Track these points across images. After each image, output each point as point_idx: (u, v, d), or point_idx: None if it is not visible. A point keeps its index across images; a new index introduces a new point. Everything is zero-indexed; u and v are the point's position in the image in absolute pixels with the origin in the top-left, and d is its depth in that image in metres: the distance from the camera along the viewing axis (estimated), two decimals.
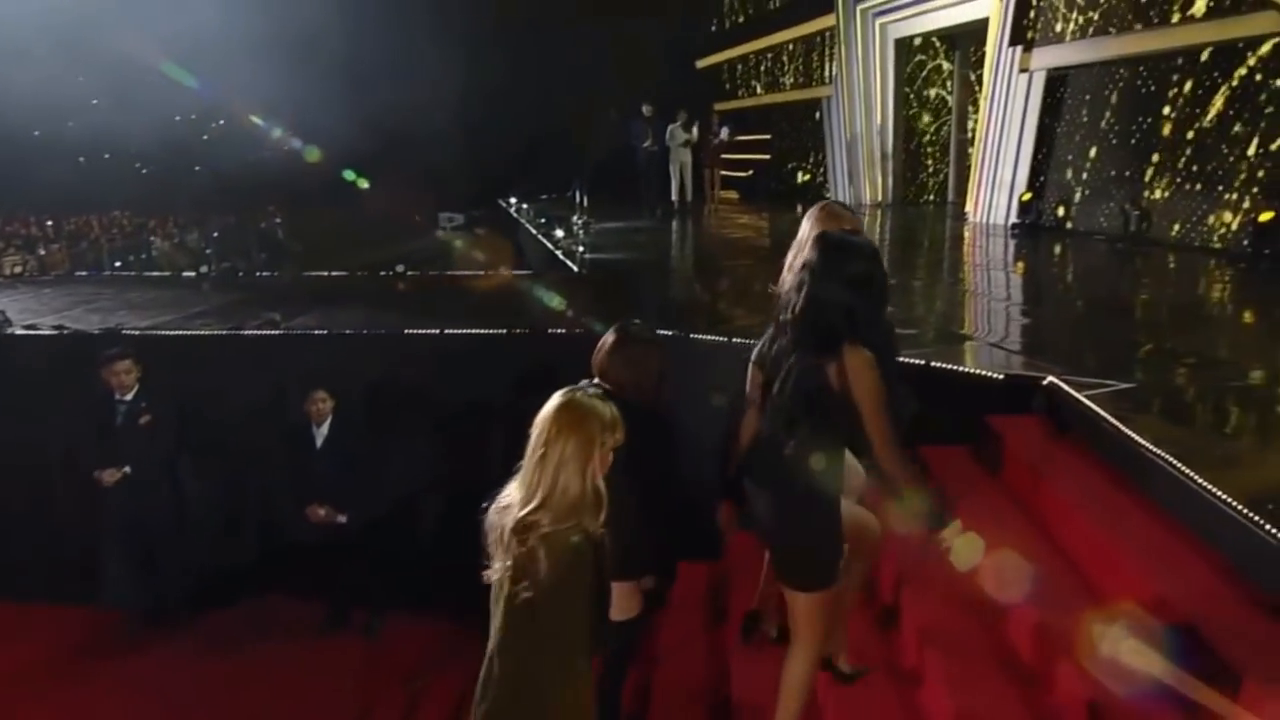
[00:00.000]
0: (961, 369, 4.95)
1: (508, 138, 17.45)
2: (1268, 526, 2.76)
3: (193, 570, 6.16)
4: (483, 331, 5.94)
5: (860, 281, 2.69)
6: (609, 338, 3.23)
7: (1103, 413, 3.91)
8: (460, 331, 5.95)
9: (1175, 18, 9.39)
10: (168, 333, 6.40)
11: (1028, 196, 11.45)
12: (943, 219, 13.54)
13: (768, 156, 19.76)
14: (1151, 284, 8.05)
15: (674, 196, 14.77)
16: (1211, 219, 9.12)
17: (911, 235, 12.26)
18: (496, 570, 2.27)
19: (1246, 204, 8.67)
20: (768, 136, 19.68)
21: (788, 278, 2.94)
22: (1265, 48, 8.44)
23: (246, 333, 6.24)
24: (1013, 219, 11.58)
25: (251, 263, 11.29)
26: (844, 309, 2.64)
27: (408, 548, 6.08)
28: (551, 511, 2.18)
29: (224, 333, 6.27)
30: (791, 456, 2.67)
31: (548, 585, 2.17)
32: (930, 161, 15.65)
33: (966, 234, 11.68)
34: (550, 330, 5.96)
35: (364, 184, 16.10)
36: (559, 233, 11.39)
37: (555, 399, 2.30)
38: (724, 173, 16.45)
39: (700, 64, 23.79)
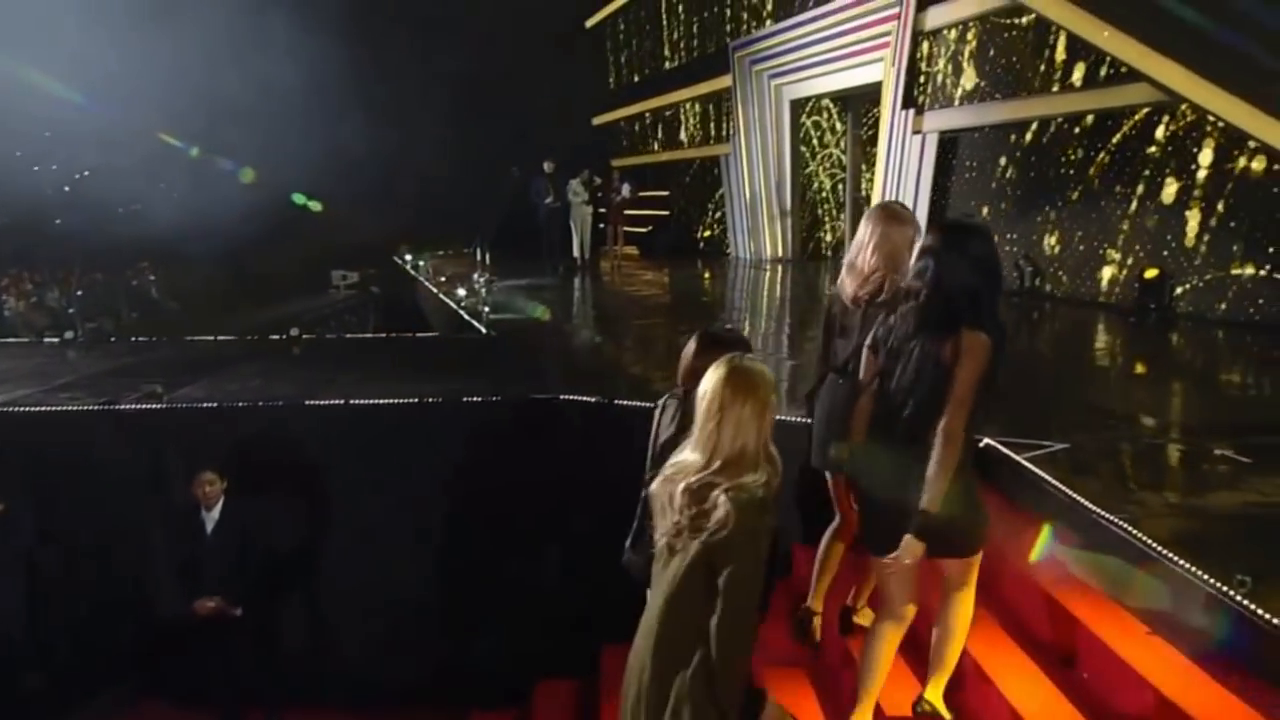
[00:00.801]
0: None
1: (402, 194, 17.07)
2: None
3: (58, 677, 5.50)
4: (392, 401, 5.59)
5: (984, 263, 2.80)
6: (692, 345, 2.90)
7: (1047, 477, 3.89)
8: (366, 402, 5.58)
9: (1056, 87, 9.96)
10: (26, 409, 5.76)
11: None
12: None
13: (666, 212, 19.98)
14: (1054, 339, 8.33)
15: (575, 253, 14.68)
16: (1099, 274, 9.59)
17: (817, 291, 12.46)
18: (668, 534, 2.34)
19: (1130, 260, 9.16)
20: (666, 193, 19.94)
21: (849, 280, 3.14)
22: (1140, 115, 9.03)
23: (123, 407, 5.69)
24: None
25: (122, 324, 10.52)
26: (969, 291, 2.74)
27: (307, 641, 5.59)
28: (733, 471, 2.27)
29: (96, 408, 5.70)
30: (917, 436, 2.74)
31: (732, 540, 2.23)
32: (828, 218, 16.09)
33: None
34: (466, 399, 5.65)
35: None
36: (461, 291, 11.08)
37: (722, 366, 2.35)
38: (625, 229, 16.48)
39: (597, 121, 24.03)
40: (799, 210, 15.80)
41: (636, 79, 21.98)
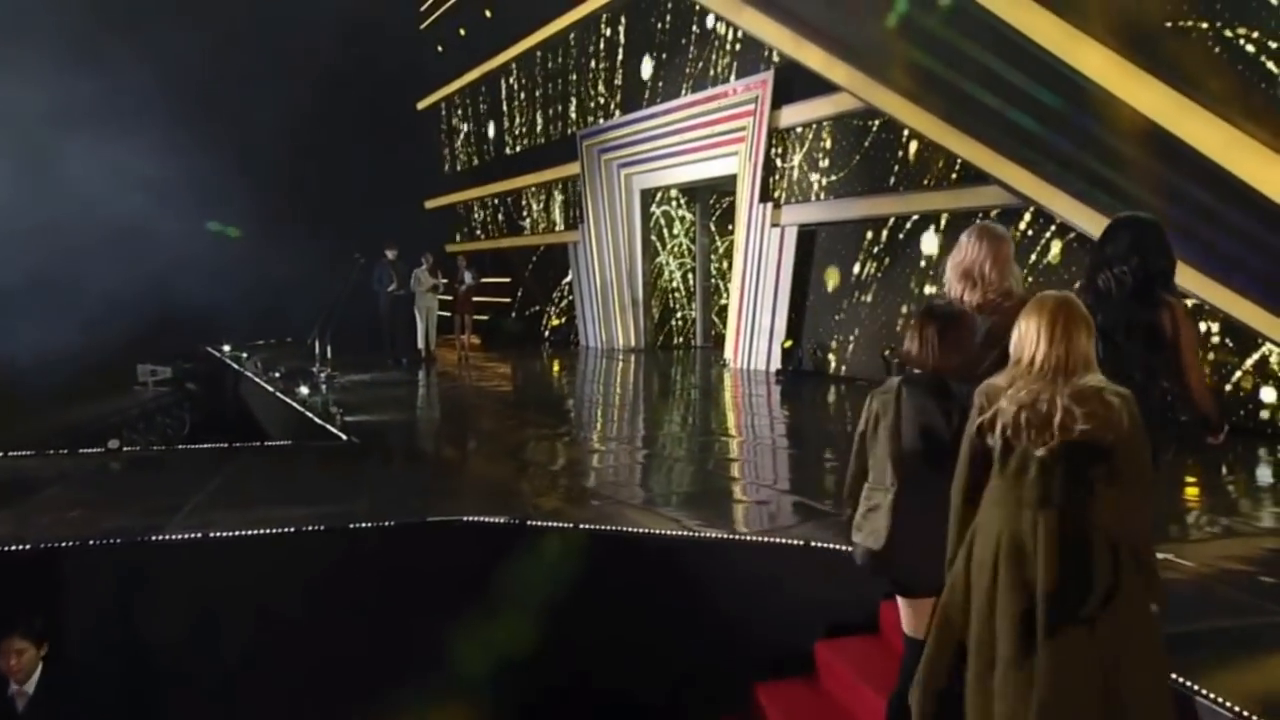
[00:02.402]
0: (836, 546, 4.64)
1: (220, 280, 15.75)
2: None
3: None
4: (262, 532, 4.75)
5: (1168, 245, 3.48)
6: (932, 327, 3.02)
7: None
8: (232, 534, 4.71)
9: (910, 185, 10.49)
10: None
11: (788, 344, 12.03)
12: (705, 365, 13.88)
13: (509, 300, 19.56)
14: None
15: (420, 344, 13.92)
16: None
17: (686, 383, 12.34)
18: (1045, 446, 2.44)
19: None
20: (508, 280, 19.54)
21: (968, 290, 3.38)
22: (994, 215, 9.60)
23: None
24: (775, 365, 12.07)
25: None
26: (1165, 270, 3.42)
27: None
28: (1091, 376, 2.48)
29: None
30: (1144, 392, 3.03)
31: (1127, 435, 2.42)
32: (679, 308, 16.19)
33: (728, 379, 11.98)
34: (352, 525, 4.90)
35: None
36: (304, 389, 10.10)
37: (1040, 301, 2.55)
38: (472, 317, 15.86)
39: (430, 204, 23.47)
40: (651, 299, 15.82)
41: (475, 163, 21.69)
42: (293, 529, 4.77)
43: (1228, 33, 7.21)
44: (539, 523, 5.01)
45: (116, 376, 13.18)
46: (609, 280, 15.92)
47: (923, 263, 10.47)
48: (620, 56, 15.75)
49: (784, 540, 4.75)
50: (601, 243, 15.97)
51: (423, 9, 23.38)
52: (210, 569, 4.60)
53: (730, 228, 16.06)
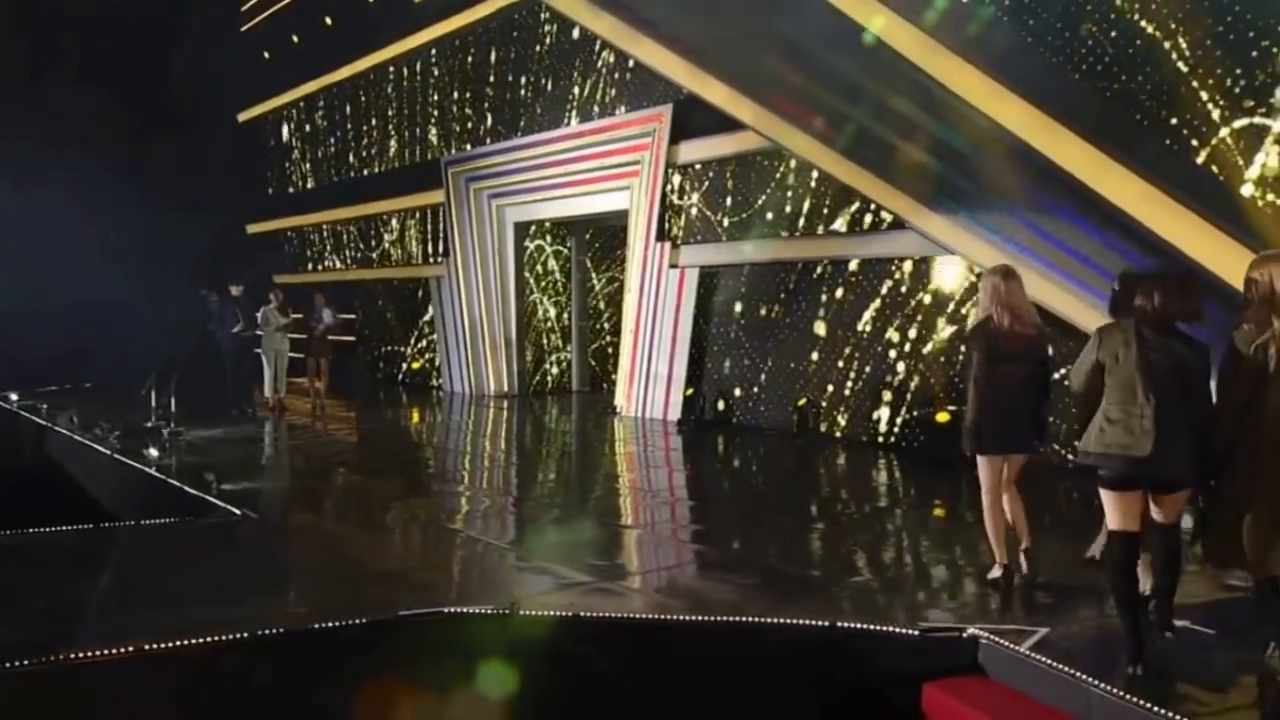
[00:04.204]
0: (874, 627, 4.66)
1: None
2: None
3: None
4: (207, 641, 4.17)
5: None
6: (1157, 289, 4.05)
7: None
8: (165, 646, 4.10)
9: (820, 229, 10.86)
10: None
11: (689, 392, 12.10)
12: (591, 413, 13.72)
13: (353, 339, 18.66)
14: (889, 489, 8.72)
15: (268, 391, 13.02)
16: (874, 416, 10.38)
17: (589, 438, 12.13)
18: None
19: (906, 401, 10.02)
20: (353, 316, 18.66)
21: (1012, 320, 5.00)
22: (908, 265, 10.08)
23: None
24: (673, 414, 12.10)
25: None
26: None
27: None
28: None
29: None
30: None
31: None
32: (553, 349, 15.98)
33: (622, 429, 11.89)
34: (318, 624, 4.41)
35: None
36: (152, 450, 9.16)
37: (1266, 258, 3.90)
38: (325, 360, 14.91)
39: (254, 229, 22.18)
40: (524, 340, 15.54)
41: (311, 185, 20.68)
42: (254, 632, 4.24)
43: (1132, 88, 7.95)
44: (529, 612, 4.72)
45: None
46: (478, 319, 15.51)
47: (822, 310, 10.80)
48: (492, 79, 15.51)
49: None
50: (470, 278, 15.55)
51: (245, 8, 22.19)
52: (150, 691, 4.02)
53: (607, 264, 16.11)
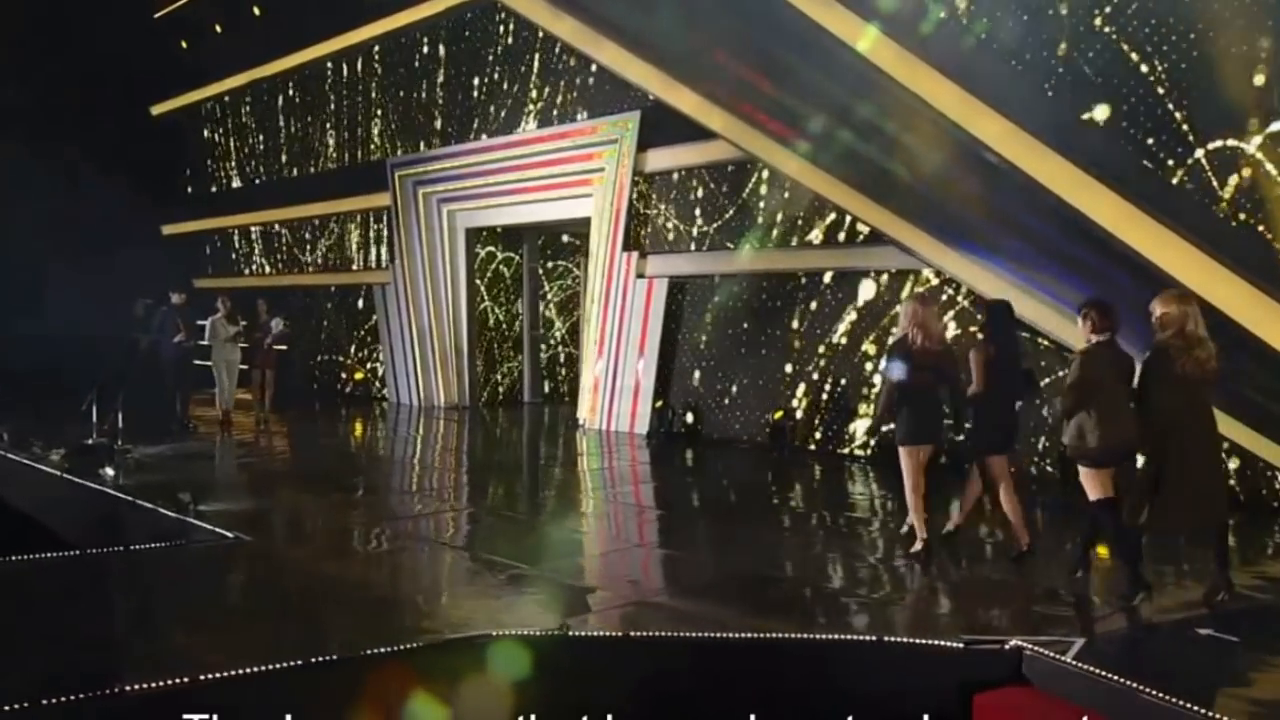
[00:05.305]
0: (918, 640, 4.97)
1: None
2: None
3: None
4: (254, 671, 4.21)
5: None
6: (1086, 320, 5.64)
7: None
8: (234, 673, 4.13)
9: (794, 241, 11.22)
10: None
11: (659, 404, 12.34)
12: (550, 426, 13.84)
13: (284, 347, 18.32)
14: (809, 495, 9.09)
15: (218, 406, 12.80)
16: (851, 429, 10.79)
17: (562, 452, 12.24)
18: (1205, 373, 5.26)
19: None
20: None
21: (925, 338, 6.31)
22: (885, 277, 10.51)
23: None
24: (640, 427, 12.31)
25: None
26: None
27: None
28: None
29: None
30: None
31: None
32: (504, 360, 16.03)
33: (587, 443, 12.05)
34: (366, 651, 4.48)
35: None
36: (108, 470, 8.97)
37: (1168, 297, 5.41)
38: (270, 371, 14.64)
39: (170, 230, 21.62)
40: (476, 349, 15.56)
41: (237, 184, 20.27)
42: (299, 662, 4.31)
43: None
44: (581, 633, 4.90)
45: None
46: (427, 327, 15.47)
47: (795, 323, 11.16)
48: (441, 79, 15.51)
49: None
50: (418, 285, 15.50)
51: None
52: None
53: (559, 272, 16.26)
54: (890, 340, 7.49)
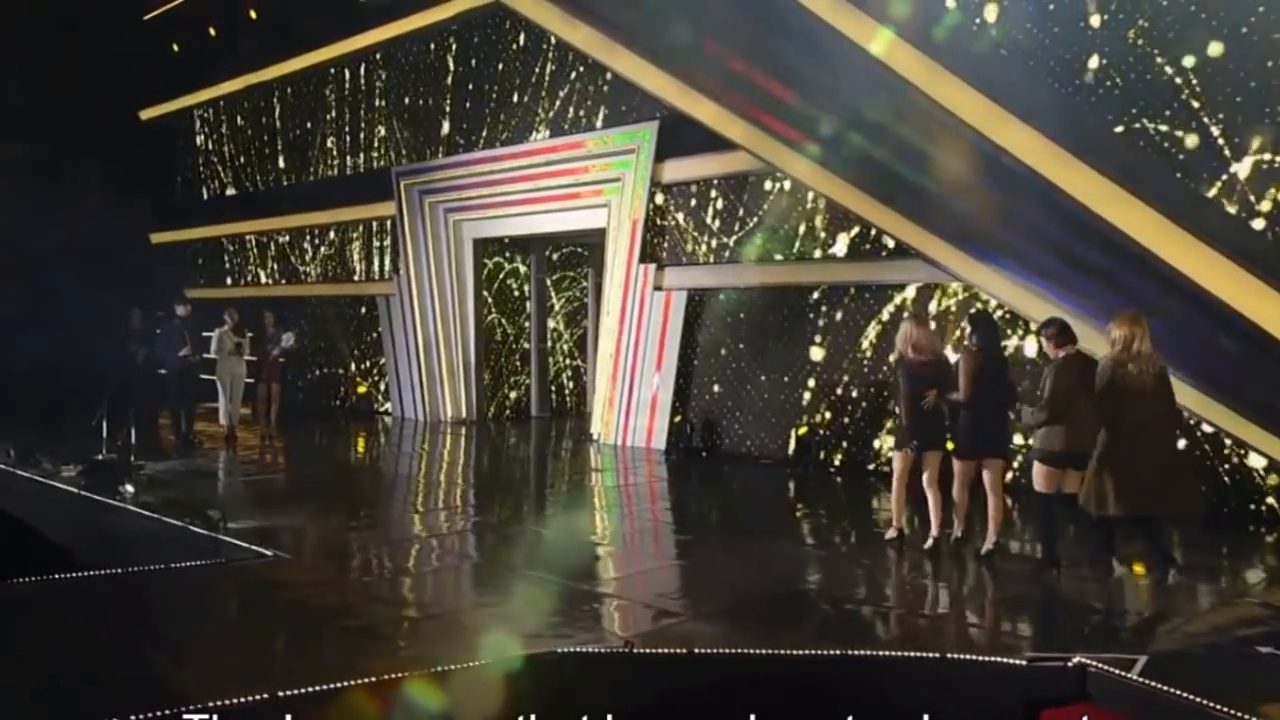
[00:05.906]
0: (981, 658, 5.04)
1: None
2: None
3: None
4: (340, 686, 4.23)
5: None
6: (1049, 334, 6.72)
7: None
8: (298, 692, 4.14)
9: (818, 254, 11.29)
10: None
11: (677, 419, 12.37)
12: (564, 440, 13.84)
13: (283, 360, 18.27)
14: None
15: (222, 420, 12.76)
16: (876, 444, 10.86)
17: (580, 468, 12.24)
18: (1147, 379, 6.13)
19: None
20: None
21: (917, 354, 7.16)
22: (910, 290, 10.60)
23: None
24: (657, 443, 12.34)
25: None
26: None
27: None
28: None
29: None
30: None
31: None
32: (511, 373, 16.03)
33: (601, 459, 12.06)
34: (442, 667, 4.50)
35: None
36: (129, 488, 8.93)
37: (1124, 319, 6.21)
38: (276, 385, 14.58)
39: (159, 239, 21.52)
40: (484, 363, 15.56)
41: (232, 192, 20.19)
42: (372, 679, 4.33)
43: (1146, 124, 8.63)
44: (645, 650, 4.93)
45: None
46: (433, 340, 15.46)
47: (818, 336, 11.23)
48: (449, 85, 15.53)
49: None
50: (425, 297, 15.49)
51: None
52: None
53: (566, 284, 16.31)
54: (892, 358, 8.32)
